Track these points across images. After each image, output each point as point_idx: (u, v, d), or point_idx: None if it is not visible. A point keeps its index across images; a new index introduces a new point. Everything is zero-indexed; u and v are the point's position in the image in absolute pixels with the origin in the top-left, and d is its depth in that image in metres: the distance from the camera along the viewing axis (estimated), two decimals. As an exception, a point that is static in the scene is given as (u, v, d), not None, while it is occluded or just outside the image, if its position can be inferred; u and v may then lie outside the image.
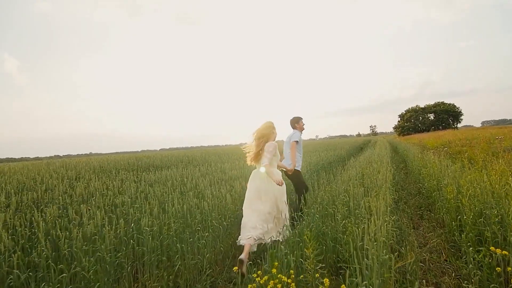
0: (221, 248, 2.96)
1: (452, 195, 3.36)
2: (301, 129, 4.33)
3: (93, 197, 4.12)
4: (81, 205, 3.24)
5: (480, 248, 2.61)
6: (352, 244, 2.28)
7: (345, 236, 2.62)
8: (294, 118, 4.37)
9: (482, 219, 2.65)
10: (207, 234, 2.79)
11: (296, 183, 4.16)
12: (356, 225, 2.73)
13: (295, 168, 4.08)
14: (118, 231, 2.42)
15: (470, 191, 2.99)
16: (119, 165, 8.17)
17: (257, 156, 3.16)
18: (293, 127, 4.33)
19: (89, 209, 3.16)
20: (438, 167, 5.02)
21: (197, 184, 4.69)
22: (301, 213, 3.33)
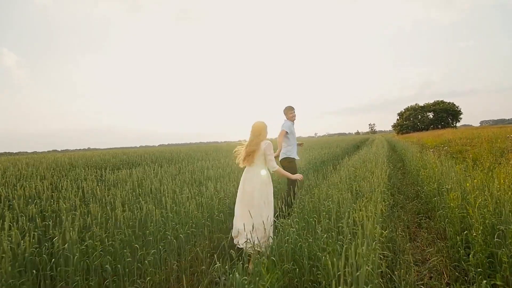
0: (175, 266, 2.42)
1: (456, 203, 2.83)
2: (292, 119, 4.37)
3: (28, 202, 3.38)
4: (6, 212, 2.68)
5: (492, 271, 2.10)
6: (332, 269, 1.76)
7: (324, 256, 2.09)
8: (285, 108, 4.43)
9: (495, 238, 2.11)
10: (153, 251, 2.25)
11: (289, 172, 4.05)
12: (340, 242, 2.21)
13: (289, 155, 4.20)
14: (23, 248, 1.87)
15: (480, 200, 2.45)
16: (90, 161, 7.58)
17: (251, 156, 2.88)
18: (286, 117, 4.41)
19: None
20: (439, 168, 4.48)
21: (162, 185, 4.14)
22: (291, 210, 3.10)
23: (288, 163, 4.18)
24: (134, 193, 3.53)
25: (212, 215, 3.28)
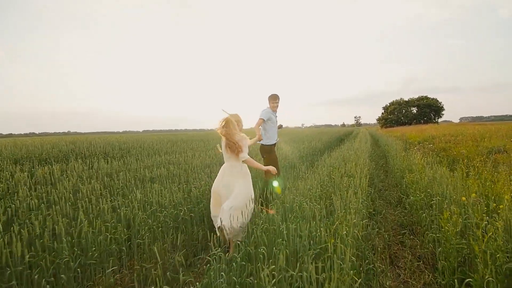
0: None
1: (453, 230, 2.16)
2: (273, 109, 4.27)
3: None
4: None
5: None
6: None
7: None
8: (269, 95, 4.29)
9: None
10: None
11: (267, 161, 4.13)
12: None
13: (267, 143, 4.16)
14: None
15: (491, 232, 1.77)
16: (46, 151, 6.47)
17: (230, 146, 2.90)
18: (268, 105, 4.30)
19: None
20: (427, 173, 3.85)
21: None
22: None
23: (266, 150, 4.20)
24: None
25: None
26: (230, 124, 2.82)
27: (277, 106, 4.29)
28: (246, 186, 2.87)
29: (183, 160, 5.73)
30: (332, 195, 2.99)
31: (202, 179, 4.02)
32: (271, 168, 3.01)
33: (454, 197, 2.79)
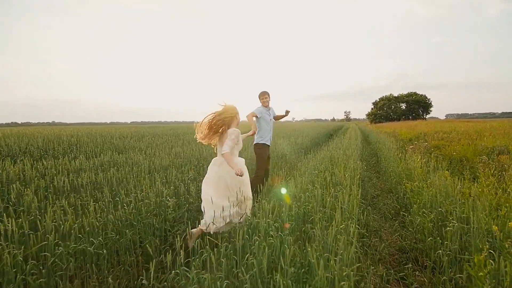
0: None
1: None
2: (264, 105, 4.25)
3: None
4: None
5: None
6: None
7: None
8: (258, 94, 4.30)
9: None
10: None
11: (256, 159, 4.19)
12: None
13: (258, 141, 4.19)
14: None
15: None
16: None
17: (214, 138, 2.91)
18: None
19: None
20: (436, 185, 3.04)
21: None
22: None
23: (257, 149, 4.21)
24: None
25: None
26: (225, 113, 2.79)
27: (268, 101, 4.25)
28: (246, 184, 2.78)
29: (142, 158, 4.79)
30: (310, 229, 2.13)
31: (148, 188, 3.09)
32: (239, 171, 2.65)
33: (480, 226, 1.97)
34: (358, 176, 3.54)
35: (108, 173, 3.46)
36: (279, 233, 1.95)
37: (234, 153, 2.84)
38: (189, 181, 3.55)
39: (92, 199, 2.65)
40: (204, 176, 2.84)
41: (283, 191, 2.83)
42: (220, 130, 2.85)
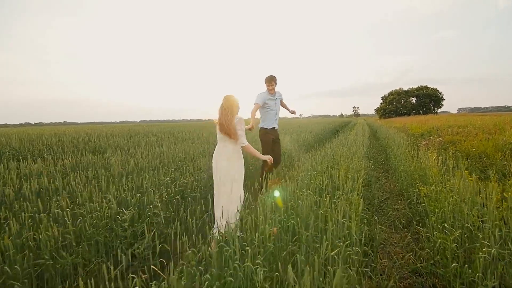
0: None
1: None
2: (270, 91, 4.10)
3: None
4: None
5: None
6: None
7: None
8: (264, 78, 4.13)
9: None
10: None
11: (261, 145, 4.15)
12: None
13: (262, 126, 4.14)
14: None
15: None
16: None
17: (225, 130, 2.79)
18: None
19: None
20: (457, 188, 2.44)
21: None
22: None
23: (261, 135, 4.18)
24: None
25: None
26: (222, 109, 2.74)
27: (274, 88, 4.10)
28: (240, 172, 2.80)
29: (115, 159, 4.29)
30: (297, 256, 1.60)
31: (100, 196, 2.59)
32: (269, 158, 2.86)
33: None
34: (361, 180, 2.97)
35: (65, 180, 2.99)
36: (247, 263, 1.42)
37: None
38: (162, 186, 3.05)
39: (24, 212, 2.17)
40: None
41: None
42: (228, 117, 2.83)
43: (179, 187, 3.28)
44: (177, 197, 3.03)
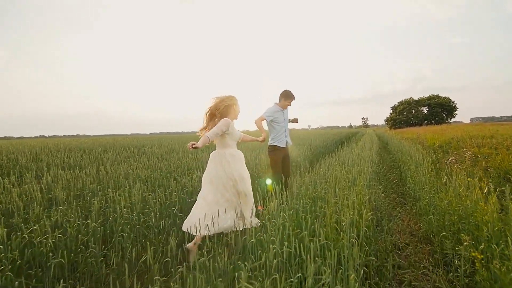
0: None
1: None
2: (284, 107, 3.95)
3: None
4: None
5: None
6: None
7: None
8: (283, 91, 3.92)
9: None
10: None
11: (270, 163, 3.98)
12: None
13: (271, 143, 3.94)
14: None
15: None
16: None
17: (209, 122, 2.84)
18: (279, 102, 3.97)
19: None
20: None
21: None
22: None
23: (269, 152, 3.98)
24: None
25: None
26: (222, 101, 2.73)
27: (289, 105, 3.99)
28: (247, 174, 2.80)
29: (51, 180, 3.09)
30: None
31: None
32: (190, 144, 2.49)
33: None
34: (363, 230, 1.62)
35: None
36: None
37: (228, 144, 2.76)
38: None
39: None
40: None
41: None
42: (215, 120, 2.76)
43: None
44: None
